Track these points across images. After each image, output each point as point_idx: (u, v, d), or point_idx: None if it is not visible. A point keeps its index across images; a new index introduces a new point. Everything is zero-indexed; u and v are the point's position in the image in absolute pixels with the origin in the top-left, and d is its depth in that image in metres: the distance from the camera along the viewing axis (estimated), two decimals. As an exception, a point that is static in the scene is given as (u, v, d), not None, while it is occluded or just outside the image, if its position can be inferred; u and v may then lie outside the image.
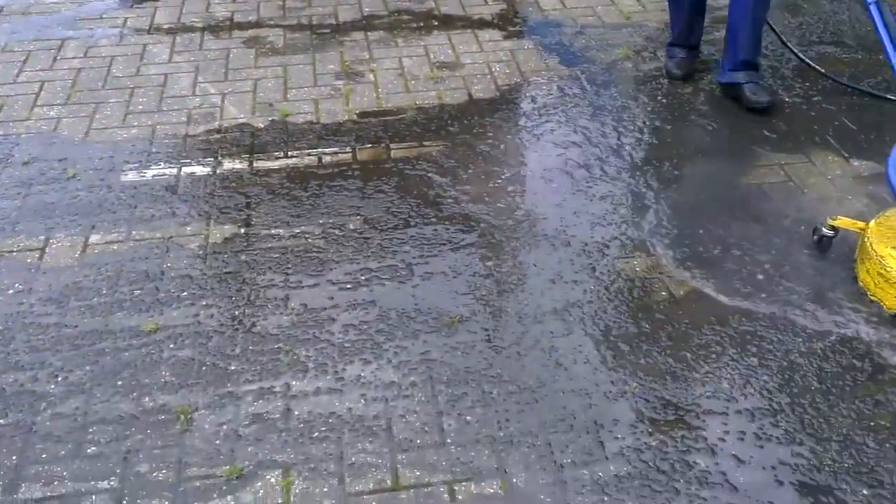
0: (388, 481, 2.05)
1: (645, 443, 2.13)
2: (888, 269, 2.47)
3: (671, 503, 1.99)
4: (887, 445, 2.12)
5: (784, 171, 3.19)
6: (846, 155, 3.27)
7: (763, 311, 2.53)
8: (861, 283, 2.59)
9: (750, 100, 3.52)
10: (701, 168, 3.24)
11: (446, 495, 2.02)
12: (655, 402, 2.24)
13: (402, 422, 2.20)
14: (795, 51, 3.88)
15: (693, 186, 3.13)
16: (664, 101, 3.66)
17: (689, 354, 2.39)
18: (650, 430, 2.17)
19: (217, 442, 2.15)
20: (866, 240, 2.59)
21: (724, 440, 2.14)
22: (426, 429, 2.18)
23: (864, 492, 2.01)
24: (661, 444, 2.13)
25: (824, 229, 2.72)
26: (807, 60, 3.85)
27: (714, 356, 2.38)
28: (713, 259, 2.75)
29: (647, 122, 3.50)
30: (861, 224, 2.69)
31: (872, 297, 2.54)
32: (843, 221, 2.72)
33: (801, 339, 2.43)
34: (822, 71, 3.78)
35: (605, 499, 2.00)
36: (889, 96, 3.61)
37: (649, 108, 3.60)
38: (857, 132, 3.41)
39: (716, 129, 3.46)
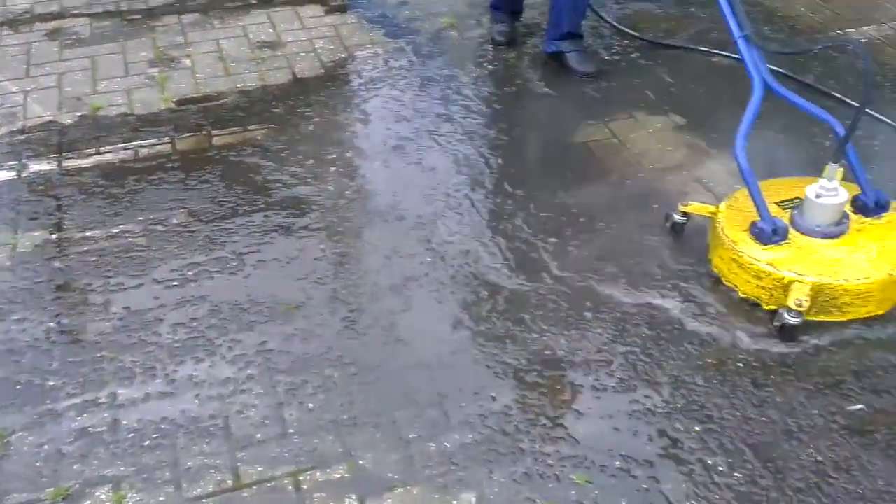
0: (229, 481, 1.96)
1: (488, 408, 2.14)
2: (740, 253, 2.39)
3: (517, 463, 2.00)
4: (714, 382, 2.21)
5: (609, 128, 3.26)
6: (665, 108, 3.38)
7: (596, 267, 2.58)
8: (715, 269, 2.51)
9: (576, 70, 3.58)
10: (530, 132, 3.28)
11: (291, 487, 1.95)
12: (496, 367, 2.25)
13: (240, 418, 2.11)
14: (607, 18, 3.98)
15: (523, 151, 3.16)
16: (491, 67, 3.68)
17: (526, 316, 2.41)
18: (493, 394, 2.17)
19: (38, 464, 2.00)
20: (717, 224, 2.50)
21: (564, 396, 2.17)
22: (266, 422, 2.10)
23: (697, 428, 2.09)
24: (505, 407, 2.14)
25: (676, 215, 2.66)
26: (619, 25, 3.94)
27: (551, 315, 2.41)
28: (545, 220, 2.78)
29: (475, 91, 3.50)
30: (712, 208, 2.60)
31: (727, 283, 2.46)
32: (693, 207, 2.65)
33: (632, 292, 2.49)
34: (637, 35, 3.89)
35: (453, 468, 1.99)
36: (700, 48, 3.77)
37: (476, 76, 3.61)
38: (674, 85, 3.54)
39: (542, 92, 3.51)
